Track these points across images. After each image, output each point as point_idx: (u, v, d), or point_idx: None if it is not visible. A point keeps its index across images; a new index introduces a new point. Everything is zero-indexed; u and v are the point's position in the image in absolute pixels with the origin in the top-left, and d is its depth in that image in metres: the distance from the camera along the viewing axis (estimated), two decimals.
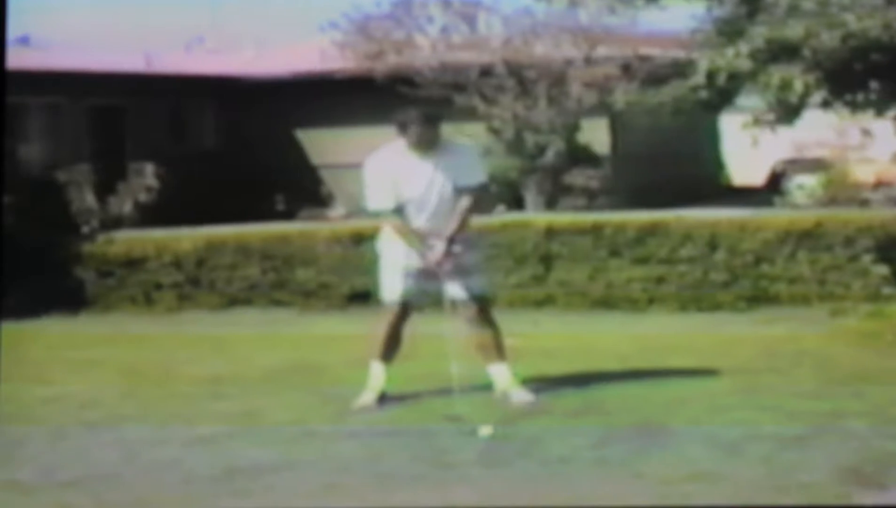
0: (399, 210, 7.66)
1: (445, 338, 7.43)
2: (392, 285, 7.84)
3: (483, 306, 7.84)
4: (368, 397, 7.79)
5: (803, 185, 20.76)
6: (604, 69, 18.58)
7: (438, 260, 7.61)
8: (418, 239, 7.65)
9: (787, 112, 14.13)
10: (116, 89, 20.71)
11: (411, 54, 19.73)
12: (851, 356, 9.21)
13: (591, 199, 18.95)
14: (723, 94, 14.65)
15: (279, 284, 13.01)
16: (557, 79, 19.01)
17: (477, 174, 7.83)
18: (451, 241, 7.63)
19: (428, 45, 19.90)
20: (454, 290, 7.71)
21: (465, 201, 7.67)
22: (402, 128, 7.65)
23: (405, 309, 7.85)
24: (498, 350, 7.83)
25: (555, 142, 19.07)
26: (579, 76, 18.86)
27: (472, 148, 8.14)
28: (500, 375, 7.80)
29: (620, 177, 19.88)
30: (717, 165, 24.86)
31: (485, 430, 6.89)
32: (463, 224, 7.68)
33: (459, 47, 19.75)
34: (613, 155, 20.31)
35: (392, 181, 7.64)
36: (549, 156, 19.00)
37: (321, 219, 19.09)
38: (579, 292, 12.23)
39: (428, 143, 7.64)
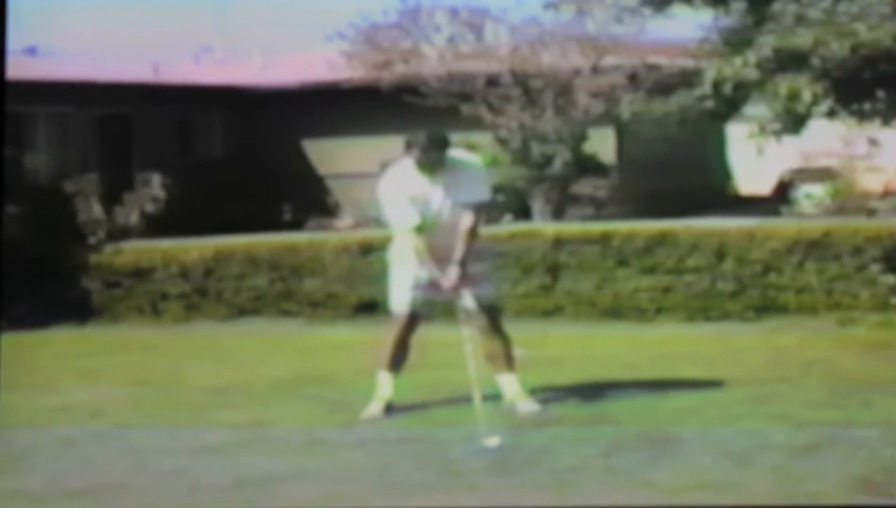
0: (422, 227, 7.64)
1: (465, 346, 7.42)
2: (401, 296, 7.84)
3: (493, 316, 7.83)
4: (376, 407, 7.78)
5: (811, 194, 20.76)
6: (611, 78, 18.58)
7: (454, 286, 7.61)
8: (432, 258, 7.64)
9: (794, 122, 14.13)
10: (124, 99, 20.74)
11: (418, 64, 19.75)
12: (860, 366, 9.19)
13: (599, 208, 18.94)
14: (730, 103, 14.66)
15: (287, 294, 13.01)
16: (564, 88, 19.01)
17: (480, 191, 7.78)
18: (463, 264, 7.62)
19: (435, 55, 19.92)
20: (464, 300, 7.71)
21: (468, 221, 7.65)
22: (409, 149, 7.65)
23: (413, 320, 7.84)
24: (507, 360, 7.82)
25: (561, 151, 19.07)
26: (586, 85, 18.87)
27: (478, 165, 8.09)
28: (509, 385, 7.80)
29: (627, 186, 19.88)
30: (725, 174, 24.87)
31: (492, 441, 6.87)
32: (469, 245, 7.65)
33: (466, 57, 19.77)
34: (620, 164, 20.31)
35: (409, 198, 7.64)
36: (556, 165, 19.00)
37: (329, 229, 19.11)
38: (587, 302, 12.22)
39: (433, 164, 7.63)
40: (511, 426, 7.22)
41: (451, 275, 7.58)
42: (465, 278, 7.60)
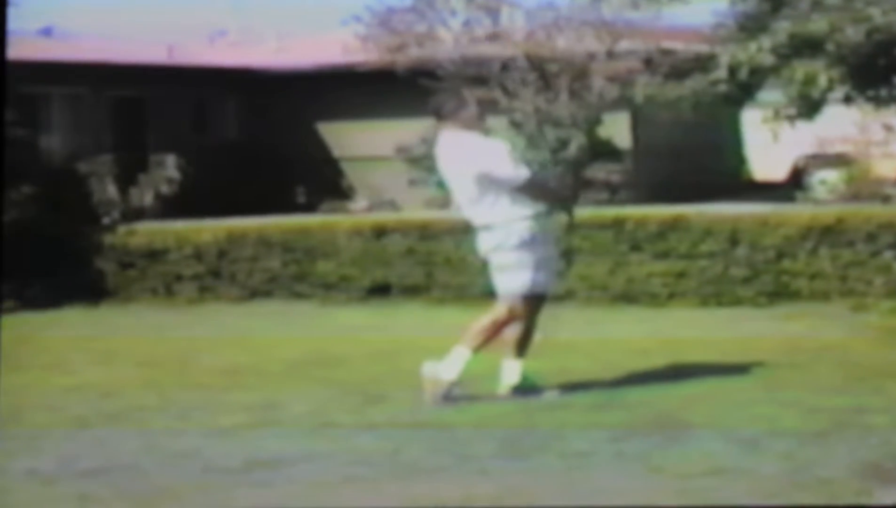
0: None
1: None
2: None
3: (540, 305, 7.81)
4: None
5: (825, 180, 20.70)
6: (626, 63, 18.56)
7: None
8: None
9: (809, 107, 14.13)
10: (139, 81, 20.77)
11: (433, 47, 19.75)
12: (872, 352, 9.17)
13: (613, 193, 18.93)
14: (744, 88, 14.67)
15: (300, 276, 13.02)
16: (579, 73, 19.00)
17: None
18: None
19: (450, 39, 19.92)
20: (523, 281, 7.67)
21: None
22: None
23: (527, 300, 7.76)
24: (522, 348, 7.78)
25: (576, 136, 19.05)
26: (601, 70, 18.85)
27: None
28: (512, 372, 7.75)
29: (642, 171, 19.86)
30: (739, 159, 24.81)
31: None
32: None
33: (482, 41, 19.77)
34: (635, 149, 20.29)
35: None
36: (571, 150, 18.98)
37: (342, 211, 19.13)
38: (600, 287, 12.20)
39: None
40: (522, 410, 7.24)
41: None
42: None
